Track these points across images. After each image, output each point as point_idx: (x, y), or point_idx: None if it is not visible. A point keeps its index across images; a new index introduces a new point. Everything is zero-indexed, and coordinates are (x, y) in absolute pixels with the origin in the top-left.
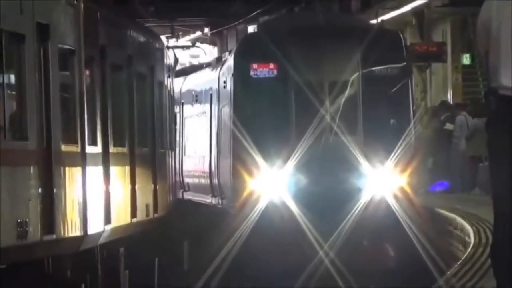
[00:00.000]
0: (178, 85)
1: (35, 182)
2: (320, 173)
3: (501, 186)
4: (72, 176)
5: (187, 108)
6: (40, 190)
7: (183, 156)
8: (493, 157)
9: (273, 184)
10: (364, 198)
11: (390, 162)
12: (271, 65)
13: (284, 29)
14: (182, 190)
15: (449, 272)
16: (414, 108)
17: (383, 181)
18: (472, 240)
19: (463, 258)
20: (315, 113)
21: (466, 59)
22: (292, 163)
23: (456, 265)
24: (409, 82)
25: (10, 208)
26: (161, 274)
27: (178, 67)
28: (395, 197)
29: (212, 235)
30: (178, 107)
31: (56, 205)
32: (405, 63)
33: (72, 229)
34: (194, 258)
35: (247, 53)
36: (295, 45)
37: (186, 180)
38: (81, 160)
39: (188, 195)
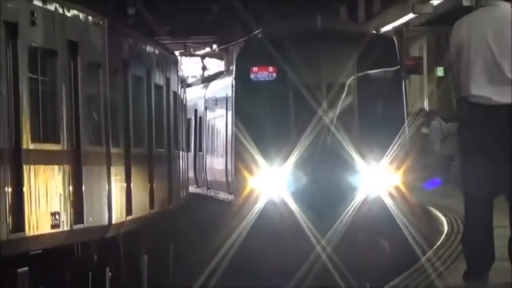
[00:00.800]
0: (202, 91)
1: (66, 178)
2: (318, 172)
3: (471, 181)
4: (98, 173)
5: (209, 112)
6: (70, 185)
7: (207, 156)
8: (465, 156)
9: (273, 182)
10: (360, 196)
11: (385, 161)
12: (271, 69)
13: (283, 34)
14: (206, 187)
15: (425, 257)
16: (407, 109)
17: (378, 179)
18: (446, 228)
19: (437, 244)
20: (313, 114)
21: (440, 72)
22: (291, 162)
23: (431, 251)
24: (402, 84)
25: (45, 201)
26: (175, 259)
27: (201, 76)
28: (390, 194)
29: (220, 229)
30: (202, 111)
31: (85, 198)
32: (398, 67)
33: (99, 219)
34: (202, 248)
35: (248, 57)
36: (294, 49)
37: (209, 178)
38: (106, 159)
39: (211, 192)
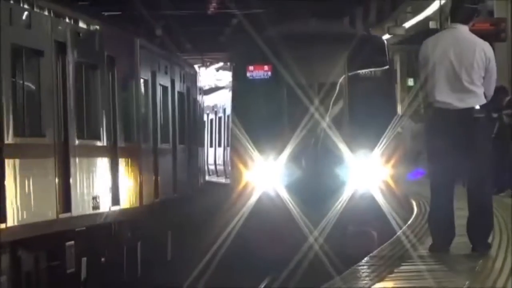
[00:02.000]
0: (230, 93)
1: (105, 168)
2: (310, 165)
3: (436, 172)
4: (131, 164)
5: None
6: (109, 174)
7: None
8: (430, 151)
9: (267, 175)
10: (350, 188)
11: (375, 155)
12: (266, 67)
13: (278, 35)
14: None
15: (399, 232)
16: (396, 106)
17: (367, 172)
18: (415, 210)
19: (409, 222)
20: (306, 111)
21: (410, 82)
22: (284, 156)
23: (404, 227)
24: (391, 81)
25: (89, 187)
26: (193, 233)
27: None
28: (379, 187)
29: (221, 217)
30: (230, 111)
31: (120, 184)
32: (387, 66)
33: (132, 202)
34: (208, 228)
35: (244, 56)
36: (288, 49)
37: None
38: (138, 153)
39: None
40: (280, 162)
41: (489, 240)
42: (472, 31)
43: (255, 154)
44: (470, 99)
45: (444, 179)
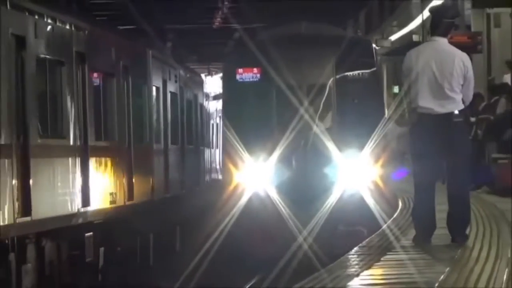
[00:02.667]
0: None
1: (120, 167)
2: (300, 166)
3: (419, 170)
4: (144, 163)
5: None
6: (124, 172)
7: None
8: (413, 151)
9: (257, 176)
10: (339, 188)
11: (363, 156)
12: (255, 70)
13: (267, 38)
14: None
15: (384, 226)
16: (385, 107)
17: (356, 172)
18: (400, 205)
19: (394, 217)
20: (295, 112)
21: (395, 89)
22: (274, 157)
23: (389, 221)
24: (379, 83)
25: (106, 185)
26: (199, 226)
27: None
28: (367, 186)
29: (213, 217)
30: None
31: (134, 182)
32: (375, 68)
33: (145, 197)
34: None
35: (234, 59)
36: (277, 52)
37: None
38: (150, 153)
39: None
40: (270, 163)
41: (467, 232)
42: (451, 43)
43: (245, 155)
44: (450, 105)
45: (426, 178)
